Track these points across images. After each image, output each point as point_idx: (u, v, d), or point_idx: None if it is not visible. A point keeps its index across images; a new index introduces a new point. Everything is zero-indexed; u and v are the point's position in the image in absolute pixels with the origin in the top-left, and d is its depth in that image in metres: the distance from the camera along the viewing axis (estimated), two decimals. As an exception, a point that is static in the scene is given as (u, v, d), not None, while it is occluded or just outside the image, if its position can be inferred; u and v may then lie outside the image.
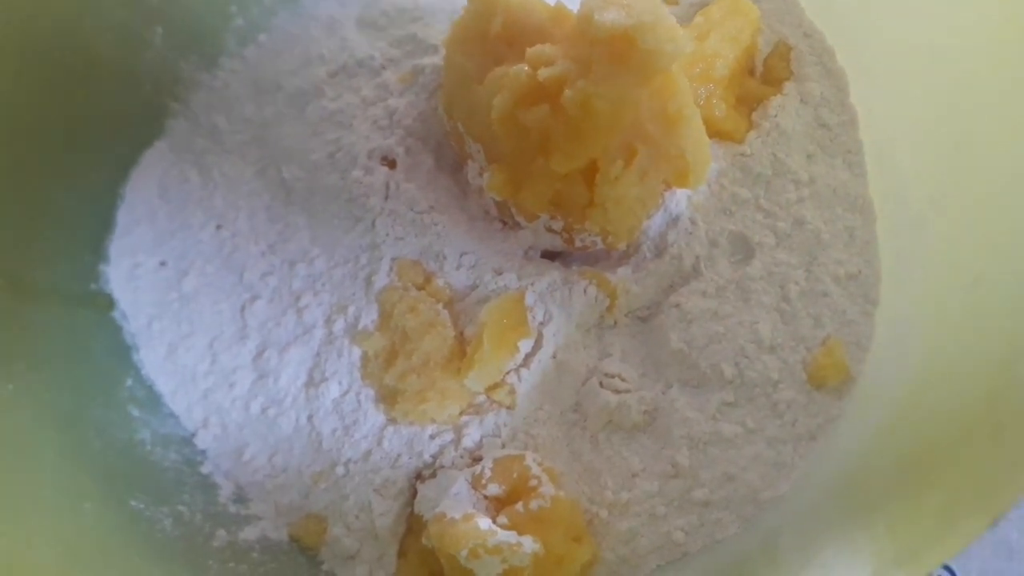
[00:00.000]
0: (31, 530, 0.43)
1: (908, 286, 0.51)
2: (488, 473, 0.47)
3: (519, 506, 0.46)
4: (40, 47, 0.56)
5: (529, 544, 0.44)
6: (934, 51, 0.53)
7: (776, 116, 0.56)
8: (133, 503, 0.49)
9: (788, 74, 0.58)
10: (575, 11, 0.51)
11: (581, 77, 0.47)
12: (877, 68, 0.56)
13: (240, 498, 0.53)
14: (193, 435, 0.55)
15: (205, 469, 0.54)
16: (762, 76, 0.58)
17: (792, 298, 0.52)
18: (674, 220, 0.54)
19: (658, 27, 0.46)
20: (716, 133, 0.55)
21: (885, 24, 0.56)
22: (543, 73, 0.47)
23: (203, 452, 0.54)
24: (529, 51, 0.49)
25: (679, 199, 0.54)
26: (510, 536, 0.44)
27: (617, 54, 0.46)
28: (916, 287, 0.51)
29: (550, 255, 0.56)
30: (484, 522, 0.44)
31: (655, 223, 0.54)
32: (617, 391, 0.52)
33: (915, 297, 0.50)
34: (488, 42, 0.51)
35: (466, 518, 0.44)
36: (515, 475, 0.47)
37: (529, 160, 0.50)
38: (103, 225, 0.58)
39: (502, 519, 0.45)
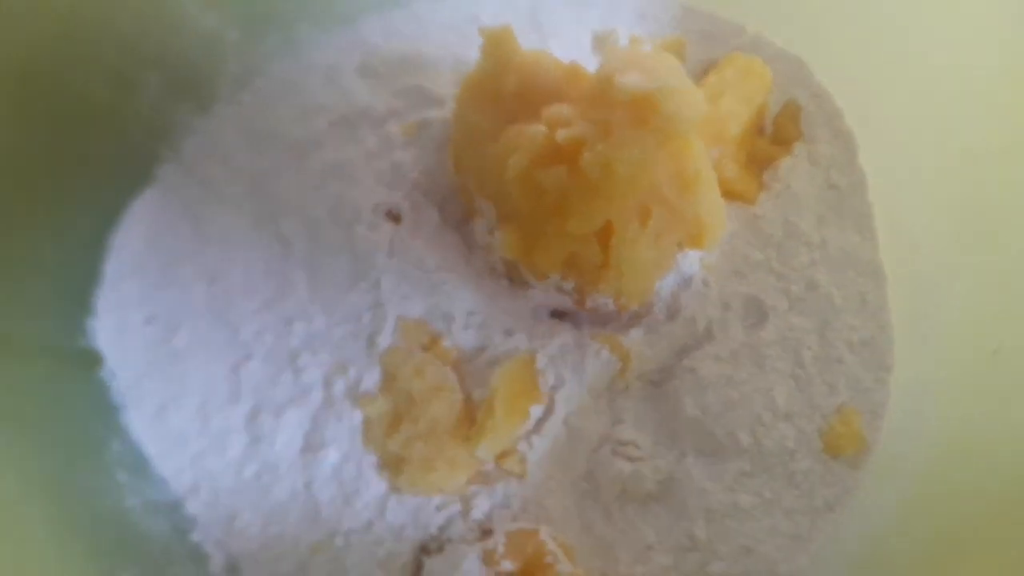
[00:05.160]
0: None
1: (923, 353, 0.51)
2: (501, 549, 0.46)
3: (535, 585, 0.44)
4: (30, 91, 0.53)
5: (548, 628, 0.42)
6: (943, 113, 0.54)
7: (787, 178, 0.56)
8: (123, 577, 0.46)
9: (798, 134, 0.57)
10: (589, 70, 0.50)
11: (600, 139, 0.46)
12: (886, 130, 0.56)
13: (232, 568, 0.51)
14: (182, 501, 0.52)
15: (195, 537, 0.51)
16: (772, 136, 0.58)
17: (806, 364, 0.51)
18: (686, 281, 0.53)
19: (680, 91, 0.45)
20: (727, 193, 0.55)
21: (893, 86, 0.56)
22: (561, 134, 0.46)
23: (193, 519, 0.52)
24: (546, 111, 0.48)
25: (691, 260, 0.53)
26: (528, 619, 0.42)
27: (638, 117, 0.46)
28: (932, 354, 0.50)
29: (559, 314, 0.54)
30: (501, 605, 0.42)
31: (667, 284, 0.53)
32: (631, 459, 0.50)
33: (931, 365, 0.50)
34: (501, 99, 0.50)
35: (482, 600, 0.42)
36: (530, 550, 0.45)
37: (543, 220, 0.49)
38: (90, 277, 0.56)
39: (517, 599, 0.44)
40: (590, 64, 0.52)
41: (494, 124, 0.50)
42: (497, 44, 0.50)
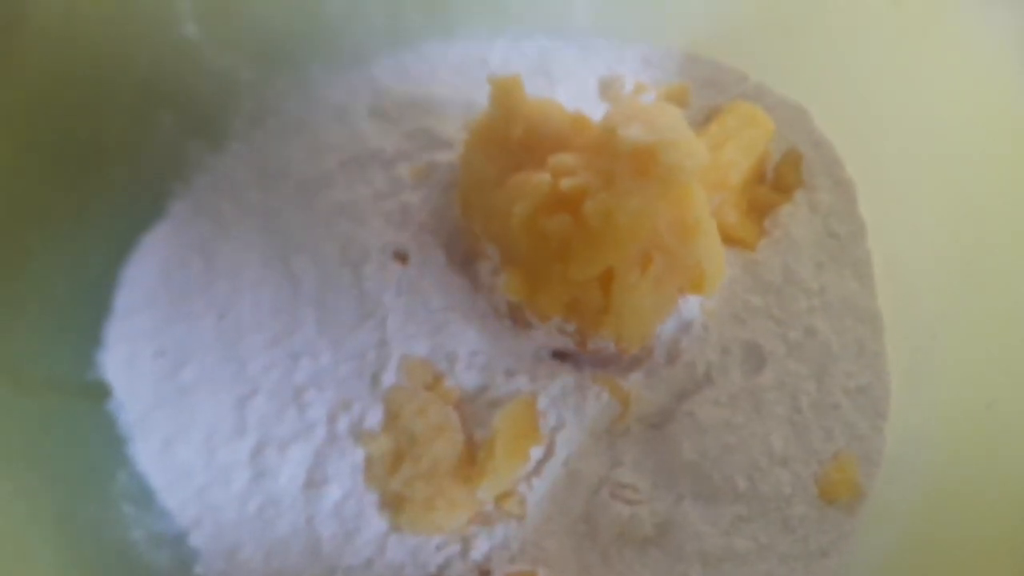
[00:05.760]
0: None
1: (919, 402, 0.51)
2: (499, 591, 0.46)
3: (532, 628, 0.45)
4: (48, 124, 0.55)
5: (543, 671, 0.42)
6: (943, 164, 0.54)
7: (787, 224, 0.56)
8: (126, 612, 0.47)
9: (799, 182, 0.58)
10: (593, 119, 0.51)
11: (603, 189, 0.47)
12: (886, 180, 0.57)
13: (233, 603, 0.51)
14: (186, 533, 0.53)
15: (198, 570, 0.52)
16: (772, 183, 0.59)
17: (803, 409, 0.52)
18: (686, 326, 0.54)
19: (680, 143, 0.46)
20: (728, 240, 0.56)
21: (894, 136, 0.57)
22: (565, 183, 0.47)
23: (196, 552, 0.52)
24: (551, 160, 0.49)
25: (691, 305, 0.54)
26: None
27: (639, 168, 0.47)
28: (927, 404, 0.51)
29: (560, 355, 0.55)
30: (498, 648, 0.43)
31: (668, 328, 0.54)
32: (629, 502, 0.51)
33: (926, 414, 0.51)
34: (508, 147, 0.51)
35: (479, 642, 0.43)
36: (527, 593, 0.46)
37: (546, 265, 0.50)
38: (100, 310, 0.57)
39: (514, 642, 0.44)
40: (596, 109, 0.53)
41: (500, 171, 0.51)
42: (505, 93, 0.51)
